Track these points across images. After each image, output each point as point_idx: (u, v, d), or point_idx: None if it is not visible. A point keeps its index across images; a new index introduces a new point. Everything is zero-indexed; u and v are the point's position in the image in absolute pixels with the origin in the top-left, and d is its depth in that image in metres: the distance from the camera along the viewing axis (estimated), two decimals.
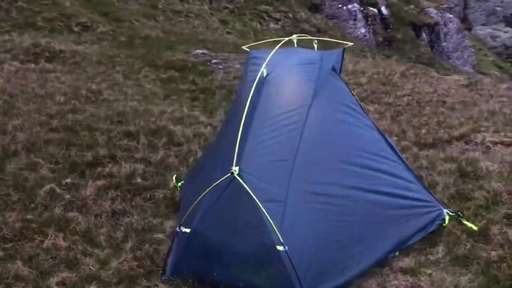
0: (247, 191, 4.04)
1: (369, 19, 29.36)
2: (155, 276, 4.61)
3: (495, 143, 7.81)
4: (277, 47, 4.85)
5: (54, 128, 7.54)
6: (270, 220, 4.00)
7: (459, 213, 5.43)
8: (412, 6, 32.05)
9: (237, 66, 13.25)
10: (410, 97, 10.61)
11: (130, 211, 5.65)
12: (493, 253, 4.86)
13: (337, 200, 4.57)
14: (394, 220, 4.87)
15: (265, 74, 4.68)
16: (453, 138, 8.26)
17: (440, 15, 31.82)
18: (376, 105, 10.12)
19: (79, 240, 5.02)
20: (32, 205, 5.52)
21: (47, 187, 5.82)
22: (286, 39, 5.19)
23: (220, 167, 4.55)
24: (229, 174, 4.09)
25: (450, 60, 30.60)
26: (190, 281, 4.40)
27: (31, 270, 4.46)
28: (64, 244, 4.94)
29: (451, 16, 33.03)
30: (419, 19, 31.51)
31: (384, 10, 30.09)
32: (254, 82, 4.96)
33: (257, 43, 6.15)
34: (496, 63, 43.48)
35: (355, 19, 29.06)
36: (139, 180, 6.29)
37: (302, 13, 26.56)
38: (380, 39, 29.20)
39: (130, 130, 7.71)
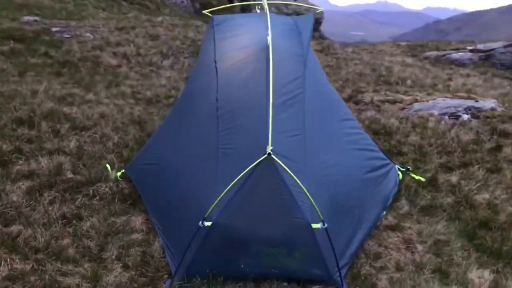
0: (285, 171, 3.71)
1: None
2: (162, 281, 3.98)
3: (382, 102, 8.66)
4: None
5: None
6: (311, 198, 3.77)
7: (408, 167, 5.94)
8: None
9: (88, 34, 11.83)
10: None
11: (81, 213, 4.70)
12: (448, 199, 5.48)
13: (341, 168, 4.56)
14: (376, 181, 5.08)
15: (269, 42, 4.27)
16: (343, 99, 8.85)
17: None
18: None
19: (45, 259, 4.00)
20: None
21: None
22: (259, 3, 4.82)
23: (227, 148, 4.09)
24: (265, 155, 3.68)
25: None
26: (213, 278, 3.92)
27: None
28: (28, 267, 3.88)
29: None
30: None
31: None
32: (233, 50, 4.56)
33: (218, 8, 5.52)
34: None
35: None
36: (70, 175, 5.25)
37: None
38: (198, 6, 29.19)
39: (20, 117, 6.32)
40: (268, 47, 4.18)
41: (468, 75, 12.08)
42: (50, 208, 4.63)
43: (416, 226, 5.03)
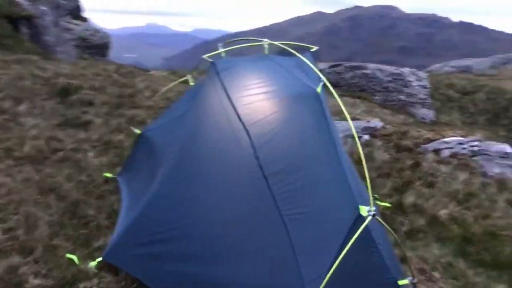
0: (386, 228, 3.39)
1: None
2: None
3: None
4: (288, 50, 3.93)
5: None
6: (407, 254, 3.52)
7: (375, 195, 6.06)
8: None
9: None
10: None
11: None
12: (421, 220, 5.77)
13: None
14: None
15: (319, 90, 3.79)
16: None
17: (34, 7, 29.95)
18: (139, 110, 9.20)
19: None
20: None
21: None
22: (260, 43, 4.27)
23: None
24: (370, 218, 3.27)
25: (57, 55, 29.51)
26: None
27: None
28: None
29: (46, 8, 31.63)
30: (13, 12, 28.66)
31: None
32: (260, 100, 3.98)
33: (218, 51, 4.50)
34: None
35: None
36: (35, 280, 3.85)
37: None
38: None
39: None
40: (318, 95, 3.78)
41: None
42: None
43: (414, 253, 5.16)
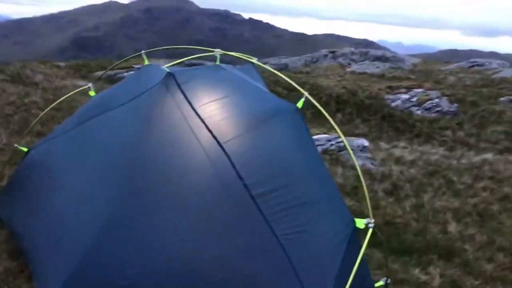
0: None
1: None
2: None
3: None
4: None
5: None
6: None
7: None
8: None
9: None
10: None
11: None
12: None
13: None
14: None
15: (300, 105, 3.64)
16: None
17: None
18: None
19: None
20: None
21: None
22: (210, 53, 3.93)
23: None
24: (371, 229, 3.39)
25: None
26: None
27: None
28: None
29: None
30: None
31: None
32: (233, 117, 3.75)
33: (177, 61, 3.68)
34: None
35: None
36: None
37: None
38: None
39: None
40: (299, 110, 3.73)
41: None
42: None
43: None
